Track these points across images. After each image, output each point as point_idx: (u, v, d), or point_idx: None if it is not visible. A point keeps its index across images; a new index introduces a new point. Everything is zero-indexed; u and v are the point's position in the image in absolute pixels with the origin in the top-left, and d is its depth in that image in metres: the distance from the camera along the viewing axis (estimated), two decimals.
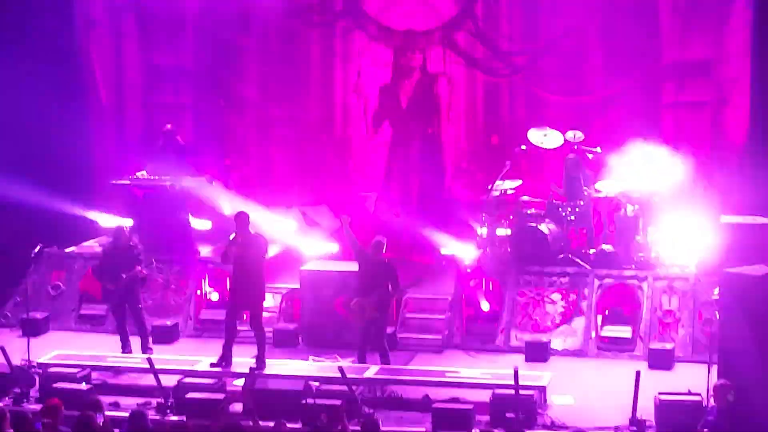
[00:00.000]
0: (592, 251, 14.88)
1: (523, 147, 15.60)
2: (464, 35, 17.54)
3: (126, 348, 14.17)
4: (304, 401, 11.82)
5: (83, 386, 12.54)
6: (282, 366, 13.33)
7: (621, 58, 16.63)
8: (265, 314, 13.75)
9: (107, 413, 11.02)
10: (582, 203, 15.12)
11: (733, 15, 16.18)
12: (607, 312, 14.53)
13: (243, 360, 13.35)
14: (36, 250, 14.52)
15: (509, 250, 15.08)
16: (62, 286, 15.84)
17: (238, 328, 14.40)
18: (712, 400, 11.25)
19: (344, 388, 12.06)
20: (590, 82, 16.91)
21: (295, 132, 18.05)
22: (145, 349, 14.11)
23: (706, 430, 10.80)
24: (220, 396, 12.25)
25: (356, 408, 11.88)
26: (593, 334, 14.27)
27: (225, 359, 13.21)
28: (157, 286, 15.53)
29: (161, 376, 12.57)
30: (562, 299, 14.49)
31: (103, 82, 18.19)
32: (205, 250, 16.25)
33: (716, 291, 12.52)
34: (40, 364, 13.27)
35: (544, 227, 14.84)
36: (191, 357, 13.75)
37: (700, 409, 11.47)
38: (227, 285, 15.14)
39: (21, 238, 15.33)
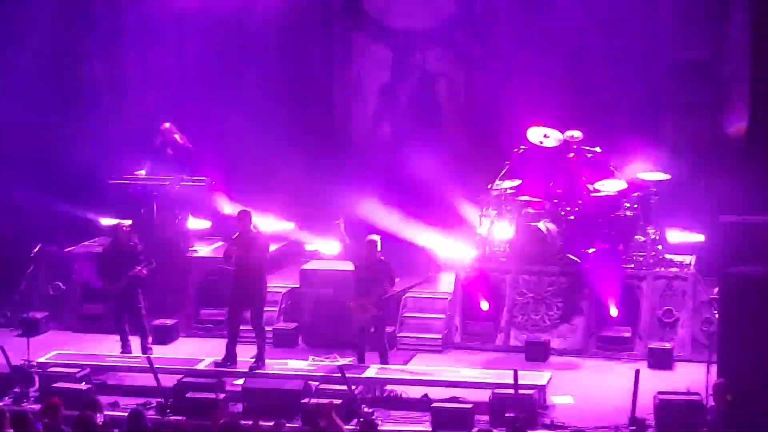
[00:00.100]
0: (591, 251, 14.87)
1: (523, 147, 15.59)
2: (464, 34, 17.53)
3: (125, 348, 14.17)
4: (303, 401, 11.82)
5: (83, 386, 12.54)
6: (282, 365, 13.33)
7: (621, 56, 16.62)
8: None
9: (106, 413, 11.05)
10: (581, 203, 15.11)
11: (732, 15, 16.17)
12: (606, 311, 14.51)
13: (243, 359, 13.35)
14: (36, 249, 14.53)
15: (509, 249, 15.08)
16: (62, 285, 15.84)
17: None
18: (711, 400, 11.26)
19: (344, 387, 12.05)
20: (590, 81, 16.89)
21: (295, 132, 18.03)
22: (145, 348, 14.11)
23: (705, 429, 10.81)
24: (220, 395, 12.25)
25: (355, 407, 11.87)
26: (593, 334, 14.25)
27: (230, 358, 13.22)
28: (156, 285, 15.51)
29: (161, 376, 12.57)
30: (561, 299, 14.48)
31: (103, 82, 18.17)
32: (204, 250, 16.25)
33: (715, 290, 12.52)
34: (39, 364, 13.28)
35: (543, 227, 14.84)
36: (191, 357, 13.74)
37: (699, 408, 11.48)
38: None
39: (21, 237, 15.34)
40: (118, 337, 14.28)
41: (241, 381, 12.81)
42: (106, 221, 16.35)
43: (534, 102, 17.09)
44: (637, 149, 14.96)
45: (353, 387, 12.12)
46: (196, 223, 16.58)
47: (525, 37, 17.37)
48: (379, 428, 10.94)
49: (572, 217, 15.04)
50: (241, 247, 13.10)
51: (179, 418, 11.95)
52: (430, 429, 11.71)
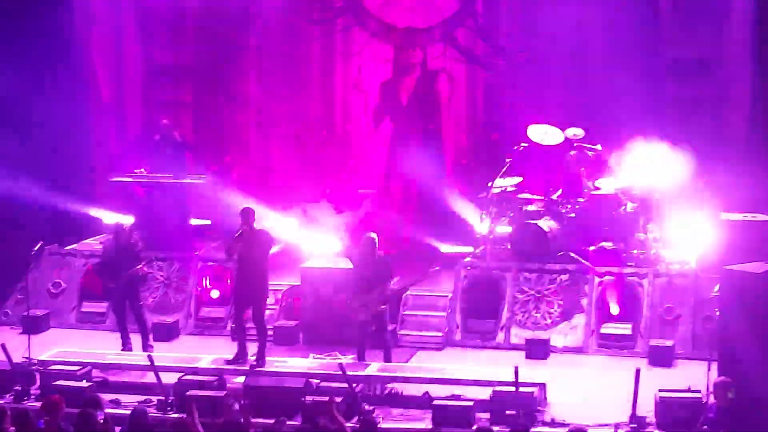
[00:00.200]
0: (592, 248, 14.87)
1: (524, 144, 15.59)
2: (465, 32, 17.55)
3: (126, 345, 14.18)
4: (304, 398, 11.83)
5: (84, 384, 12.54)
6: (282, 363, 13.34)
7: (621, 55, 16.62)
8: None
9: (108, 411, 11.05)
10: (582, 200, 15.12)
11: (733, 12, 16.17)
12: (607, 309, 14.52)
13: (233, 357, 13.37)
14: (37, 247, 14.53)
15: (509, 247, 15.08)
16: (63, 283, 15.85)
17: (232, 325, 14.47)
18: (712, 397, 11.26)
19: (344, 385, 12.06)
20: (591, 79, 16.90)
21: (295, 129, 18.06)
22: (146, 346, 14.12)
23: (706, 427, 10.81)
24: (221, 393, 12.25)
25: (356, 405, 11.88)
26: (593, 331, 14.26)
27: (241, 356, 13.24)
28: (157, 283, 15.54)
29: (162, 374, 12.57)
30: (562, 296, 14.49)
31: (103, 79, 18.19)
32: (205, 248, 16.26)
33: (716, 288, 12.52)
34: (40, 362, 13.27)
35: (544, 224, 14.85)
36: (192, 354, 13.75)
37: (700, 406, 11.47)
38: (228, 282, 15.22)
39: (22, 235, 15.34)
40: (118, 335, 14.29)
41: (241, 379, 12.81)
42: (107, 219, 16.36)
43: (535, 99, 17.12)
44: (638, 147, 14.93)
45: (354, 385, 12.12)
46: (196, 221, 16.59)
47: (526, 34, 17.38)
48: (379, 426, 10.95)
49: (573, 215, 15.05)
50: (244, 244, 13.12)
51: (180, 415, 11.94)
52: (431, 427, 11.70)
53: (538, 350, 14.00)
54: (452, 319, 14.67)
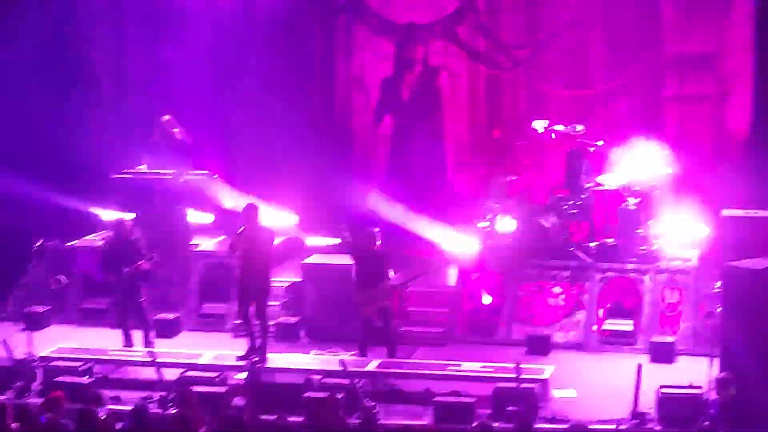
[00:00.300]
0: (593, 244, 14.87)
1: (525, 140, 15.56)
2: (466, 28, 17.53)
3: (128, 342, 14.18)
4: (305, 395, 11.84)
5: (85, 380, 12.55)
6: (284, 359, 13.35)
7: (623, 51, 16.62)
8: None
9: (109, 407, 11.06)
10: (584, 197, 15.11)
11: (734, 8, 16.16)
12: (608, 305, 14.52)
13: (245, 353, 13.38)
14: (38, 244, 14.54)
15: (511, 243, 15.07)
16: (64, 280, 15.84)
17: (236, 321, 14.47)
18: (713, 394, 11.26)
19: (346, 381, 12.06)
20: (592, 76, 16.90)
21: (296, 125, 18.03)
22: (147, 342, 14.12)
23: (707, 423, 10.81)
24: (222, 389, 12.26)
25: (357, 401, 11.87)
26: (595, 328, 14.26)
27: (252, 351, 13.26)
28: (158, 279, 15.52)
29: (163, 370, 12.57)
30: (563, 293, 14.48)
31: (105, 75, 18.18)
32: (206, 244, 16.26)
33: (718, 284, 12.52)
34: (42, 358, 13.28)
35: (545, 221, 14.83)
36: (193, 350, 13.76)
37: (701, 402, 11.47)
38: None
39: (23, 232, 15.34)
40: (120, 331, 14.29)
41: (243, 375, 12.81)
42: (109, 215, 16.36)
43: (536, 95, 17.12)
44: (640, 143, 14.92)
45: (355, 381, 12.12)
46: (198, 217, 16.58)
47: (527, 30, 17.36)
48: (380, 422, 10.95)
49: (574, 211, 15.04)
50: (247, 240, 13.13)
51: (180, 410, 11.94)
52: (432, 423, 11.70)
53: (539, 346, 13.99)
54: (454, 315, 14.66)
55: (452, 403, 11.87)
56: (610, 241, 14.80)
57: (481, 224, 15.42)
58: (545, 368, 12.76)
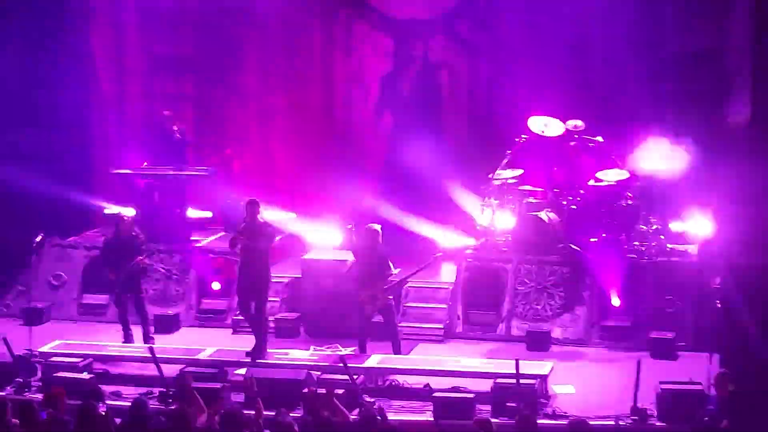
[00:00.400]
0: (593, 240, 14.86)
1: (524, 136, 15.56)
2: (466, 24, 17.50)
3: (127, 337, 14.18)
4: (305, 391, 11.83)
5: (85, 376, 12.55)
6: (283, 355, 13.35)
7: (623, 46, 16.60)
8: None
9: (109, 402, 11.06)
10: (583, 192, 15.10)
11: (735, 4, 16.13)
12: (608, 301, 14.52)
13: (245, 349, 13.38)
14: (38, 239, 14.53)
15: (510, 239, 15.07)
16: (64, 275, 15.85)
17: (237, 317, 14.48)
18: (713, 390, 11.26)
19: (345, 377, 12.06)
20: (592, 71, 16.88)
21: (295, 121, 18.03)
22: (147, 338, 14.13)
23: (707, 419, 10.81)
24: (221, 385, 12.26)
25: (357, 397, 11.88)
26: (594, 324, 14.26)
27: (261, 347, 13.27)
28: (158, 275, 15.53)
29: (163, 366, 12.57)
30: (563, 288, 14.48)
31: (103, 72, 18.16)
32: (206, 240, 16.26)
33: (718, 280, 12.51)
34: (41, 354, 13.28)
35: (545, 216, 14.83)
36: (193, 346, 13.76)
37: (701, 398, 11.47)
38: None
39: (22, 227, 15.33)
40: (120, 327, 14.29)
41: (243, 371, 12.81)
42: (108, 211, 16.36)
43: (536, 91, 17.08)
44: (639, 139, 14.92)
45: (355, 376, 12.13)
46: (197, 213, 16.58)
47: (527, 27, 17.35)
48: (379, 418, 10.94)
49: (574, 207, 15.04)
50: (248, 236, 13.13)
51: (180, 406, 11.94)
52: (432, 418, 11.71)
53: (539, 342, 14.00)
54: (453, 311, 14.67)
55: (452, 399, 11.88)
56: (609, 237, 14.79)
57: (481, 220, 15.42)
58: (545, 364, 12.76)
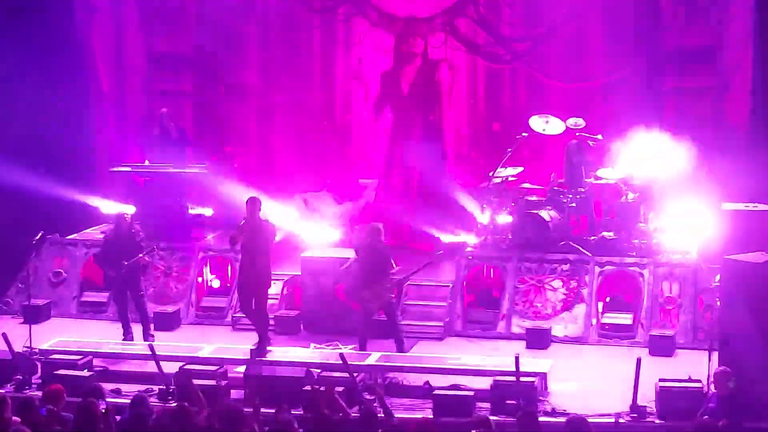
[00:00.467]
0: (593, 238, 14.88)
1: (525, 134, 15.56)
2: (466, 21, 17.50)
3: (127, 335, 14.19)
4: (305, 388, 11.84)
5: (85, 373, 12.55)
6: (283, 353, 13.35)
7: (622, 44, 16.60)
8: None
9: (109, 400, 11.05)
10: (583, 190, 15.11)
11: (734, 0, 16.12)
12: (608, 299, 14.53)
13: (244, 347, 13.39)
14: (37, 237, 14.53)
15: (510, 237, 15.08)
16: (64, 273, 15.86)
17: (237, 315, 14.48)
18: (712, 387, 11.27)
19: (345, 374, 12.06)
20: (591, 69, 16.88)
21: (296, 118, 18.03)
22: (147, 336, 14.13)
23: (706, 416, 10.81)
24: (222, 382, 12.27)
25: (357, 395, 11.88)
26: (594, 321, 14.27)
27: (265, 342, 13.28)
28: (158, 273, 15.54)
29: (163, 363, 12.58)
30: (563, 286, 14.49)
31: (104, 69, 18.16)
32: (206, 237, 16.26)
33: (717, 278, 12.52)
34: (41, 351, 13.29)
35: (545, 214, 14.84)
36: (193, 344, 13.77)
37: (700, 395, 11.48)
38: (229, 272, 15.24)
39: (22, 225, 15.34)
40: (119, 325, 14.30)
41: (242, 368, 12.82)
42: (108, 208, 16.36)
43: (535, 89, 17.10)
44: (639, 136, 14.92)
45: (354, 374, 12.13)
46: (197, 210, 16.58)
47: (527, 24, 17.35)
48: (380, 415, 10.95)
49: (574, 205, 15.04)
50: (247, 233, 13.14)
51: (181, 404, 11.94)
52: (432, 416, 11.70)
53: (539, 340, 14.00)
54: (453, 309, 14.68)
55: (451, 397, 11.88)
56: (609, 234, 14.81)
57: (481, 218, 15.42)
58: (545, 362, 12.77)
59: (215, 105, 18.17)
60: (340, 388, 11.48)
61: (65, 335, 14.06)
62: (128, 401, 10.55)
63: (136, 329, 14.20)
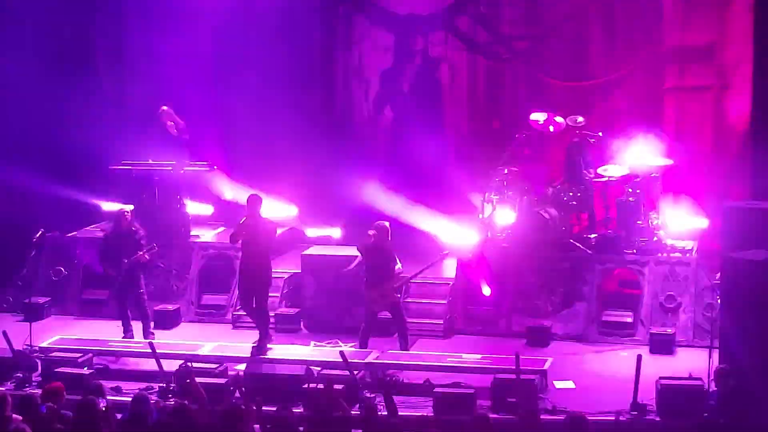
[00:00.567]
0: (593, 236, 14.87)
1: (525, 132, 15.53)
2: (466, 19, 17.50)
3: (128, 333, 14.19)
4: (305, 386, 11.84)
5: (85, 371, 12.55)
6: (284, 351, 13.35)
7: (623, 42, 16.60)
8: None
9: (109, 398, 11.05)
10: (583, 188, 15.10)
11: None
12: (608, 297, 14.52)
13: (245, 345, 13.38)
14: (38, 235, 14.54)
15: (511, 234, 15.06)
16: (64, 271, 15.85)
17: (237, 313, 14.48)
18: (713, 385, 11.27)
19: (346, 372, 12.06)
20: (592, 67, 16.87)
21: (296, 116, 18.01)
22: (147, 333, 14.13)
23: (706, 414, 10.82)
24: (222, 380, 12.26)
25: (357, 393, 11.88)
26: (594, 319, 14.26)
27: (267, 339, 13.28)
28: (158, 271, 15.53)
29: (163, 361, 12.58)
30: (563, 284, 14.47)
31: (104, 67, 18.15)
32: (206, 235, 16.26)
33: (718, 276, 12.52)
34: (41, 349, 13.29)
35: (545, 212, 14.82)
36: (193, 342, 13.76)
37: (701, 393, 11.48)
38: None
39: (22, 223, 15.34)
40: (120, 322, 14.29)
41: (242, 366, 12.82)
42: (108, 206, 16.35)
43: (536, 87, 17.09)
44: (640, 134, 14.92)
45: (355, 372, 12.13)
46: (197, 209, 16.58)
47: (527, 22, 17.34)
48: (380, 413, 10.94)
49: (574, 203, 15.03)
50: (248, 231, 13.14)
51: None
52: (432, 414, 11.71)
53: (539, 338, 14.00)
54: (454, 307, 14.67)
55: (452, 394, 11.88)
56: (609, 232, 14.79)
57: (481, 216, 15.41)
58: (545, 359, 12.76)
59: (215, 103, 18.15)
60: (340, 386, 11.47)
61: (65, 333, 14.06)
62: (128, 399, 10.54)
63: (137, 327, 14.19)
